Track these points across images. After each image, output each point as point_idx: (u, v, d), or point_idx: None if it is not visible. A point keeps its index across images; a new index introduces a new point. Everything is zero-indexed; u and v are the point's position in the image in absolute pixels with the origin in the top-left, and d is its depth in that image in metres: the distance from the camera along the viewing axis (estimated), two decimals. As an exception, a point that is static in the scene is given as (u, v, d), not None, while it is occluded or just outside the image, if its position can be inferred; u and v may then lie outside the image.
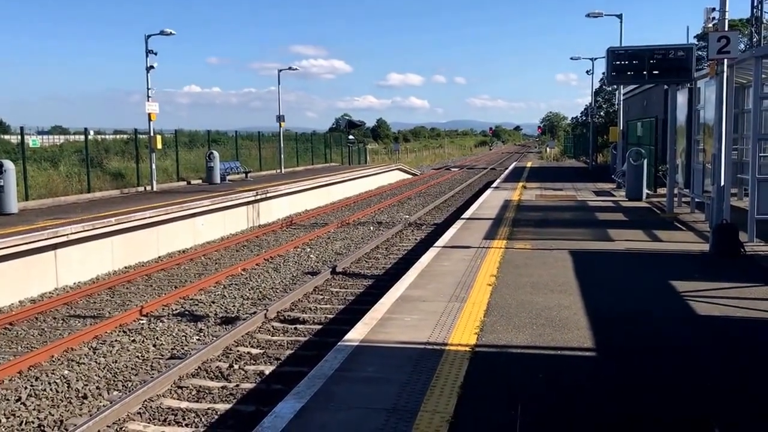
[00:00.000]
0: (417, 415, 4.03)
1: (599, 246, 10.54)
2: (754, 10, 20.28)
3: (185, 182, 24.32)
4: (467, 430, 3.90)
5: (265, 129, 34.85)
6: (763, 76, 12.57)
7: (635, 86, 31.48)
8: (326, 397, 4.35)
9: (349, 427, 3.90)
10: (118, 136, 31.88)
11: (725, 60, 9.08)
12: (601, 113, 50.41)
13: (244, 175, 26.35)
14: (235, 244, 15.52)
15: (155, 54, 21.53)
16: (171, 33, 21.85)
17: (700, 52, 18.25)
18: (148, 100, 21.80)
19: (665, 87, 14.45)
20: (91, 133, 26.90)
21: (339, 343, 5.52)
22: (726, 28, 8.91)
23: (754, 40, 20.46)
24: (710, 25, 8.97)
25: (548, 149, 62.20)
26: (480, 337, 5.67)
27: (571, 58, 34.27)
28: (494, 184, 24.98)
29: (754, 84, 10.01)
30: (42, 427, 5.83)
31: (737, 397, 4.41)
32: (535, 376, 4.79)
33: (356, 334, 5.70)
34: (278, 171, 31.33)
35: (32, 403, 6.33)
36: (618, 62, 12.59)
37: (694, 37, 31.25)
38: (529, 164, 43.50)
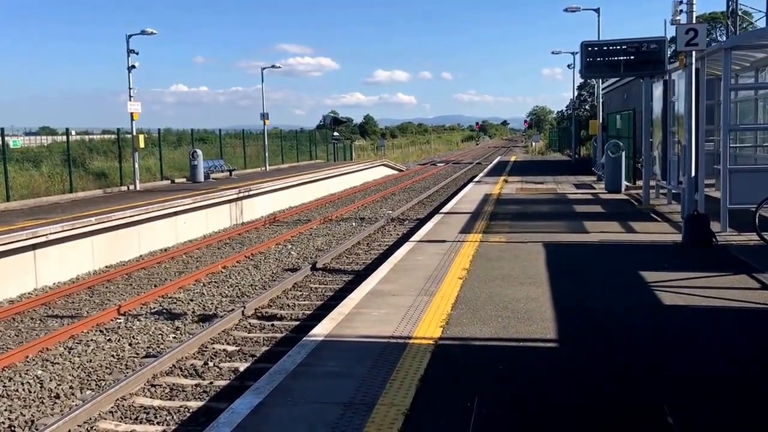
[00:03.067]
0: (373, 409, 4.10)
1: (574, 238, 10.64)
2: (730, 3, 20.51)
3: (169, 181, 24.28)
4: (422, 422, 3.98)
5: (253, 127, 34.83)
6: (737, 67, 12.74)
7: (616, 79, 31.69)
8: (285, 392, 4.41)
9: (304, 422, 3.96)
10: (106, 136, 31.73)
11: (693, 52, 9.19)
12: (586, 107, 50.71)
13: (228, 173, 26.33)
14: (217, 242, 15.52)
15: (137, 53, 21.52)
16: (152, 33, 21.82)
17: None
18: (130, 100, 21.79)
19: (641, 80, 14.57)
20: (73, 132, 26.77)
21: (304, 339, 5.58)
22: (693, 21, 9.02)
23: (731, 32, 20.69)
24: (677, 17, 9.07)
25: (533, 143, 62.41)
26: (445, 330, 5.75)
27: (552, 53, 34.50)
28: (476, 179, 25.11)
29: (724, 75, 10.15)
30: (12, 428, 5.87)
31: (690, 384, 4.51)
32: (495, 368, 4.87)
33: (322, 330, 5.76)
34: (263, 169, 31.30)
35: (4, 403, 6.35)
36: (592, 56, 12.70)
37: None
38: (513, 158, 43.70)
